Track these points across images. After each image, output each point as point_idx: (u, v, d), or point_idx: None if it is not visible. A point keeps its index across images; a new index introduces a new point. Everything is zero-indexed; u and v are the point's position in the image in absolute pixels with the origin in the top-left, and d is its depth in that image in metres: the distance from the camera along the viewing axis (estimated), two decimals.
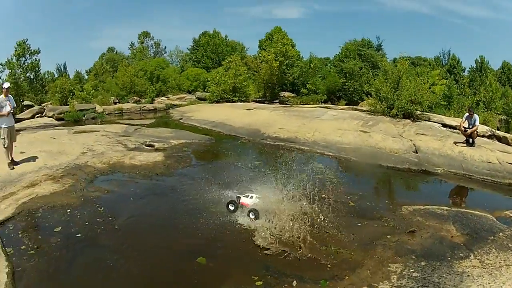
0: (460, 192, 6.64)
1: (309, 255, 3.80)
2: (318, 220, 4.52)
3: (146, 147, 9.18)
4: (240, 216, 4.73)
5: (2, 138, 6.86)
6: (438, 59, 36.88)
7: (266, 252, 3.86)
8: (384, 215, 4.80)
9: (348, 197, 5.55)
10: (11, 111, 6.95)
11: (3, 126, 6.86)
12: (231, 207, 4.93)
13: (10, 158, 7.06)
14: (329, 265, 3.61)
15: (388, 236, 4.14)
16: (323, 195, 5.20)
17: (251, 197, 4.94)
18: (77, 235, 4.38)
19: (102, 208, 5.20)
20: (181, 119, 16.54)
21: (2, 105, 6.84)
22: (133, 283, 3.54)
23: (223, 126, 12.51)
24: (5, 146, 6.88)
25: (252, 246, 4.00)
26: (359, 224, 4.52)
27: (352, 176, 6.82)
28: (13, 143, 7.17)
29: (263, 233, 4.23)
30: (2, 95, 6.89)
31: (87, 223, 4.69)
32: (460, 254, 3.73)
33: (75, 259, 3.92)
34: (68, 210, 5.11)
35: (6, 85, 7.07)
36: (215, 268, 3.68)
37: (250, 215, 4.69)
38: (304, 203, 4.77)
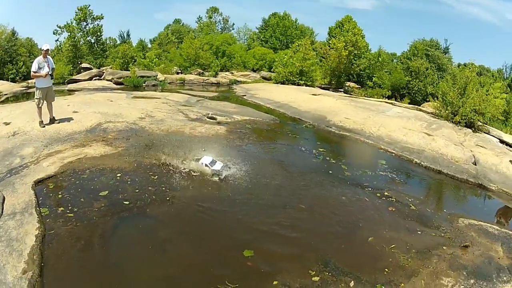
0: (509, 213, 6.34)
1: (371, 253, 3.87)
2: (382, 219, 4.61)
3: (208, 119, 8.88)
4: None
5: (37, 98, 6.98)
6: (501, 71, 34.46)
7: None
8: (442, 225, 4.77)
9: (410, 200, 5.41)
10: (49, 73, 6.96)
11: (39, 86, 6.96)
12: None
13: (41, 118, 7.14)
14: (386, 269, 3.71)
15: (444, 248, 4.17)
16: (385, 193, 5.18)
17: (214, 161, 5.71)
18: (125, 202, 4.05)
19: (156, 176, 4.81)
20: (244, 95, 16.19)
21: (40, 66, 6.87)
22: (177, 264, 3.27)
23: (288, 108, 12.28)
24: (39, 106, 7.02)
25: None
26: (419, 232, 4.53)
27: (413, 179, 6.58)
28: (51, 103, 7.35)
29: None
30: (41, 56, 6.92)
31: (137, 191, 4.35)
32: (504, 278, 3.76)
33: (119, 228, 3.62)
34: (118, 175, 4.77)
35: (45, 46, 6.98)
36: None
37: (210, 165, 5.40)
38: (367, 200, 4.83)
